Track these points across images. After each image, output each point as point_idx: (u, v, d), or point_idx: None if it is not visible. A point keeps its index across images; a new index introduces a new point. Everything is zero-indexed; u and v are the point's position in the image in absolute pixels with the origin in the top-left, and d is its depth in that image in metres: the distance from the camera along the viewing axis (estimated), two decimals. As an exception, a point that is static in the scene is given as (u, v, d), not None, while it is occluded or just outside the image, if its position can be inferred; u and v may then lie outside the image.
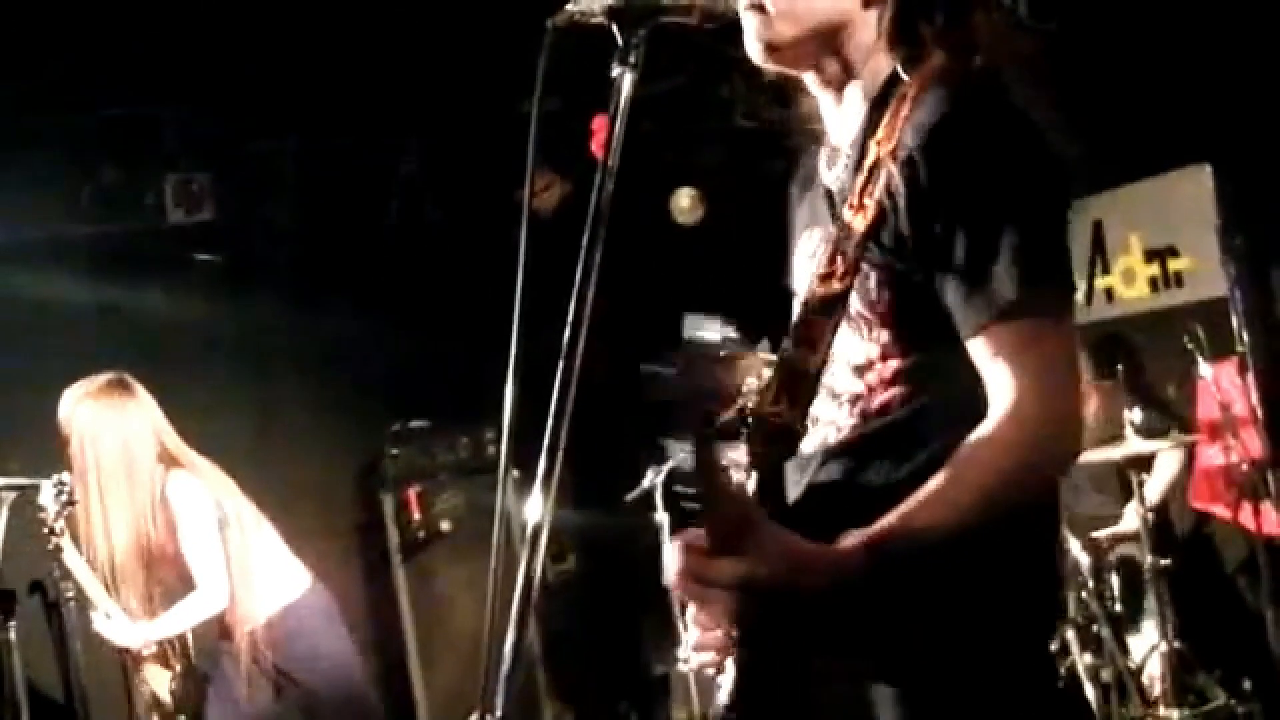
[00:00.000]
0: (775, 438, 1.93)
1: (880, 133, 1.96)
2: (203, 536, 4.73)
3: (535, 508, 1.78)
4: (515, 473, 6.66)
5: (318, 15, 6.02)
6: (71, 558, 4.70)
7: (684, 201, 7.63)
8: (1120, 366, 5.59)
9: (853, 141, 2.09)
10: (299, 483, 7.23)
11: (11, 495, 4.68)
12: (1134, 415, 5.29)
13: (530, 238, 1.94)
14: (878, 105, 2.04)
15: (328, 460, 7.79)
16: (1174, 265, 6.47)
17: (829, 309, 1.93)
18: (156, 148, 6.79)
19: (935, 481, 1.83)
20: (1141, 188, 6.50)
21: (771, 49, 2.08)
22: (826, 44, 2.08)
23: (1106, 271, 6.71)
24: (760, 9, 2.04)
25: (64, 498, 4.69)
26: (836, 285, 1.93)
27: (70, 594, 5.11)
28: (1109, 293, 6.70)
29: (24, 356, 6.40)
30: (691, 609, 2.07)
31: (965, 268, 1.87)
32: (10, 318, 6.58)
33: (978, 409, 1.88)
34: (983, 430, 1.86)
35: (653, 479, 5.96)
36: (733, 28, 2.08)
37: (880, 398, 2.01)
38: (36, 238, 6.74)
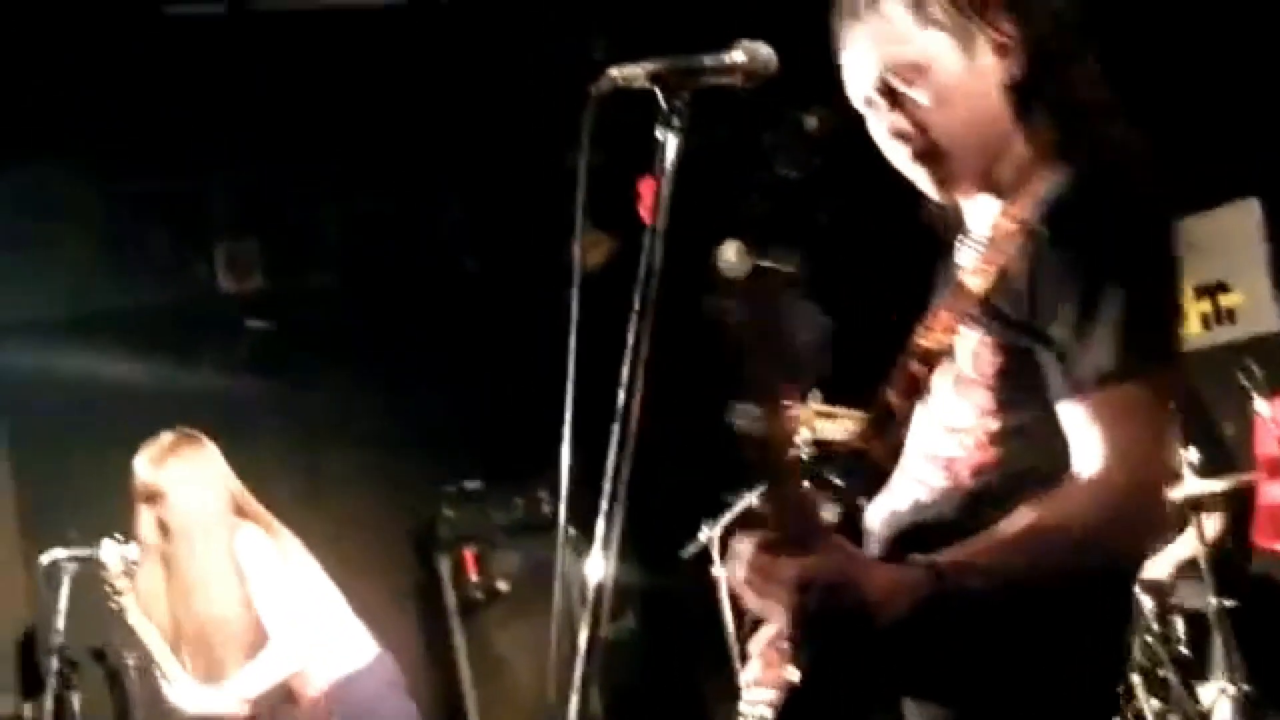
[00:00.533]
0: (863, 471, 2.06)
1: (1014, 209, 2.07)
2: (274, 590, 4.71)
3: (596, 567, 1.77)
4: (572, 531, 6.62)
5: (357, 77, 6.10)
6: (136, 618, 4.68)
7: (730, 254, 7.62)
8: (1172, 404, 5.53)
9: (990, 223, 2.15)
10: (354, 547, 7.25)
11: (74, 566, 4.69)
12: (1191, 455, 5.23)
13: (580, 294, 1.99)
14: (1013, 186, 2.12)
15: (382, 524, 7.80)
16: (1225, 301, 6.42)
17: (929, 360, 2.05)
18: (204, 217, 6.89)
19: (1014, 527, 1.88)
20: (1189, 224, 6.39)
21: (959, 187, 2.15)
22: (986, 161, 2.13)
23: (1157, 309, 6.66)
24: (939, 156, 2.10)
25: (128, 557, 4.69)
26: (942, 339, 2.04)
27: (132, 661, 5.11)
28: (1161, 332, 6.64)
29: (79, 427, 6.48)
30: (756, 648, 2.21)
31: (1070, 333, 1.92)
32: (64, 390, 6.68)
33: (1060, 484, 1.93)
34: (1068, 492, 1.90)
35: (709, 533, 5.94)
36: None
37: (974, 461, 2.05)
38: (88, 309, 6.84)
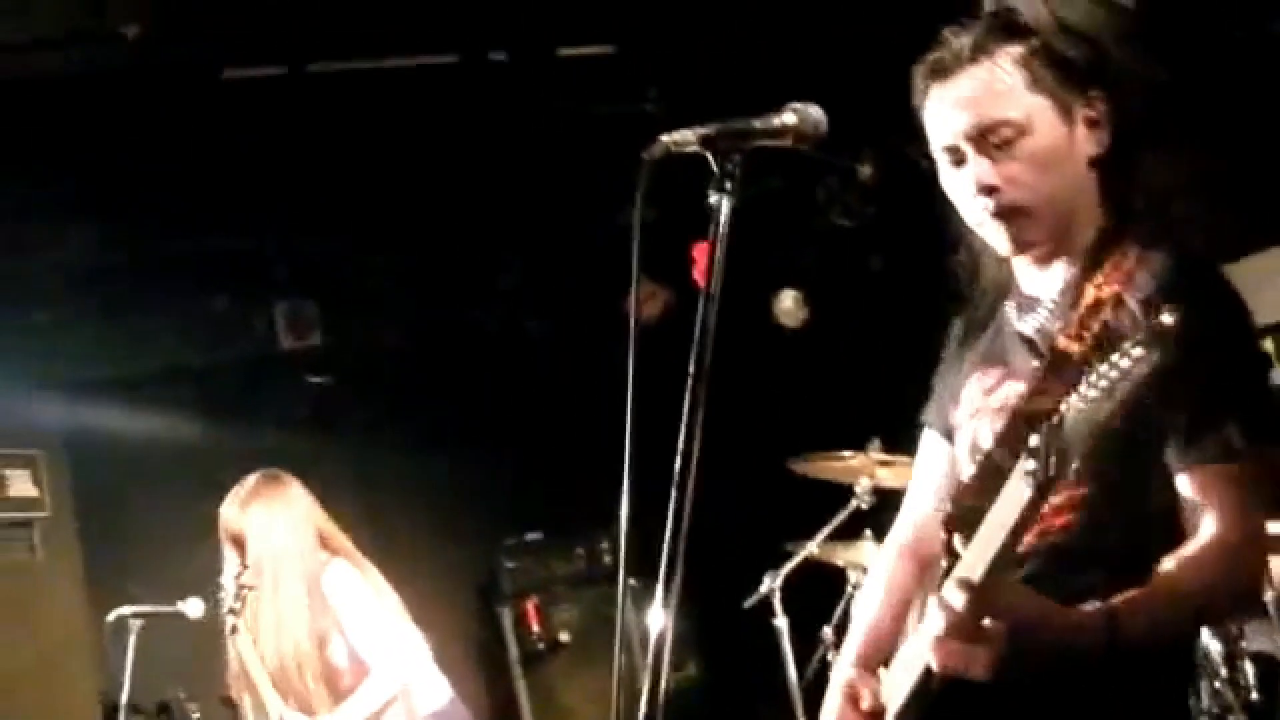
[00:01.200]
0: (974, 525, 2.05)
1: (1100, 278, 2.14)
2: (368, 619, 4.75)
3: (657, 618, 1.79)
4: (632, 581, 6.61)
5: (414, 135, 6.18)
6: (246, 647, 4.69)
7: (787, 303, 7.65)
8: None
9: (1061, 289, 2.25)
10: (417, 600, 7.22)
11: (138, 622, 4.75)
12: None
13: (638, 348, 2.01)
14: (1093, 257, 2.20)
15: (445, 576, 7.83)
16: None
17: (1036, 421, 2.02)
18: (264, 276, 6.99)
19: (1159, 579, 2.03)
20: (1254, 262, 6.41)
21: (1033, 246, 2.26)
22: (1064, 228, 2.24)
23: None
24: (1023, 213, 2.19)
25: (242, 589, 4.72)
26: (1047, 402, 2.03)
27: (196, 715, 5.15)
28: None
29: (142, 486, 6.56)
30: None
31: (1199, 410, 2.06)
32: (129, 448, 6.77)
33: (1134, 554, 2.08)
34: (1196, 546, 2.06)
35: (770, 584, 5.92)
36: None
37: (1056, 521, 2.15)
38: (152, 369, 6.94)
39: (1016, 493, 1.79)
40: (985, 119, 2.17)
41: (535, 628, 7.55)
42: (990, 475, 2.07)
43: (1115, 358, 1.69)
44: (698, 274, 1.83)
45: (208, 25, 5.34)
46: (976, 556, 1.91)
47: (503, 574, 7.71)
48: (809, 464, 5.66)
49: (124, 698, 4.75)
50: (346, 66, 5.68)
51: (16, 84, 5.24)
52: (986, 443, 2.22)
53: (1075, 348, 2.08)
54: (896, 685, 2.21)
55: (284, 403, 7.54)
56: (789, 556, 5.84)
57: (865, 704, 2.27)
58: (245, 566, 4.75)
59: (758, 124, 1.97)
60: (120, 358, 6.89)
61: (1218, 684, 5.12)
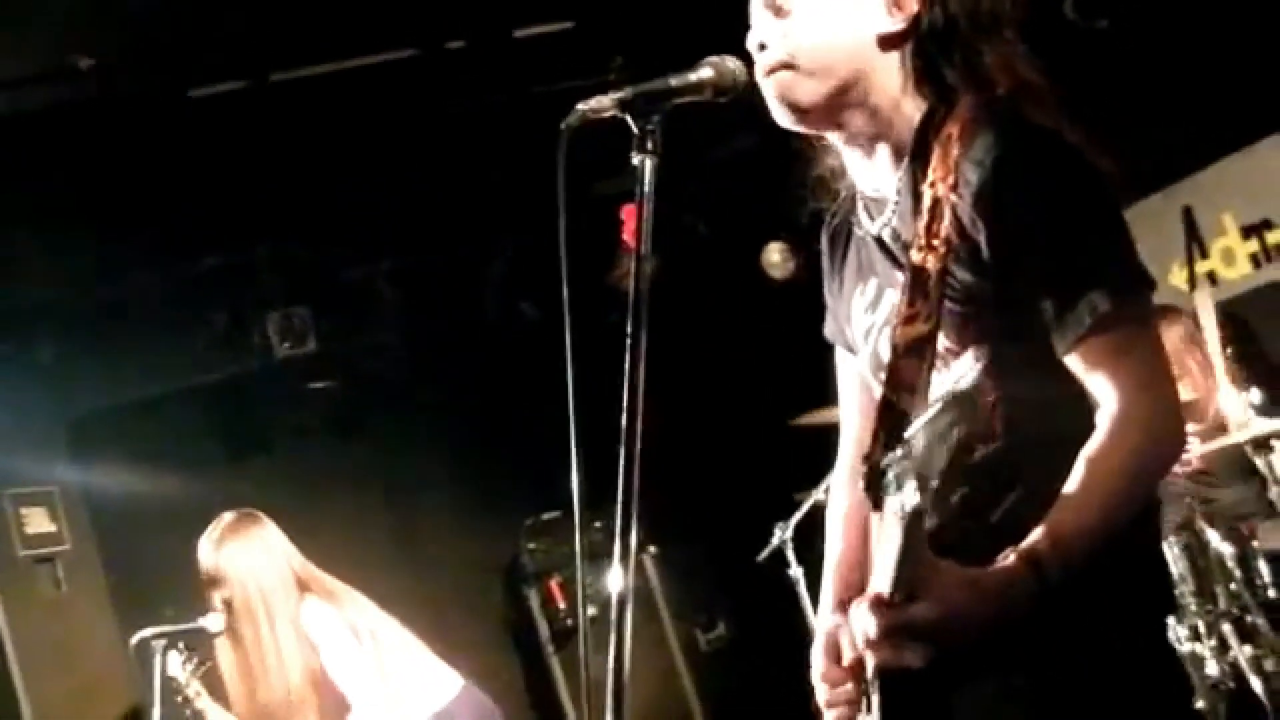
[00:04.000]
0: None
1: (932, 175, 2.06)
2: (344, 656, 4.79)
3: (616, 581, 1.81)
4: (652, 549, 6.65)
5: (384, 132, 6.20)
6: (215, 714, 4.82)
7: (775, 256, 7.67)
8: (1230, 349, 5.50)
9: (897, 188, 2.18)
10: (443, 591, 7.36)
11: (163, 642, 4.80)
12: (1253, 396, 5.19)
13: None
14: (919, 150, 2.13)
15: (468, 564, 7.90)
16: (1272, 238, 6.34)
17: (919, 350, 2.02)
18: (254, 288, 7.02)
19: (1072, 493, 1.94)
20: (1226, 165, 6.40)
21: (798, 110, 2.16)
22: (851, 97, 2.16)
23: (1205, 255, 6.60)
24: (784, 68, 2.13)
25: (193, 662, 4.80)
26: (923, 326, 2.02)
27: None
28: (1211, 276, 6.58)
29: (161, 510, 6.61)
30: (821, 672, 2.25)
31: (1058, 287, 1.99)
32: (143, 474, 6.82)
33: (1064, 444, 1.99)
34: (1100, 438, 1.97)
35: (781, 535, 5.97)
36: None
37: (974, 434, 2.08)
38: (157, 391, 6.99)
39: (890, 529, 1.76)
40: None
41: (562, 605, 7.60)
42: (892, 421, 2.02)
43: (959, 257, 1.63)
44: (627, 235, 1.85)
45: (166, 50, 5.38)
46: (881, 571, 1.85)
47: (525, 555, 7.76)
48: (809, 416, 5.71)
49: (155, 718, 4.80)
50: (308, 72, 5.70)
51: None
52: (885, 355, 2.14)
53: (930, 260, 2.03)
54: None
55: (292, 412, 7.59)
56: (798, 506, 5.87)
57: (846, 658, 2.20)
58: (228, 606, 4.80)
59: (674, 82, 1.98)
60: (124, 386, 6.93)
61: (1234, 585, 5.14)
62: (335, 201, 6.55)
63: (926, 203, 2.06)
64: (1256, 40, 5.86)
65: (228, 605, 4.82)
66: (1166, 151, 6.29)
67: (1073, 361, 2.01)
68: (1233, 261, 6.51)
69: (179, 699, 4.81)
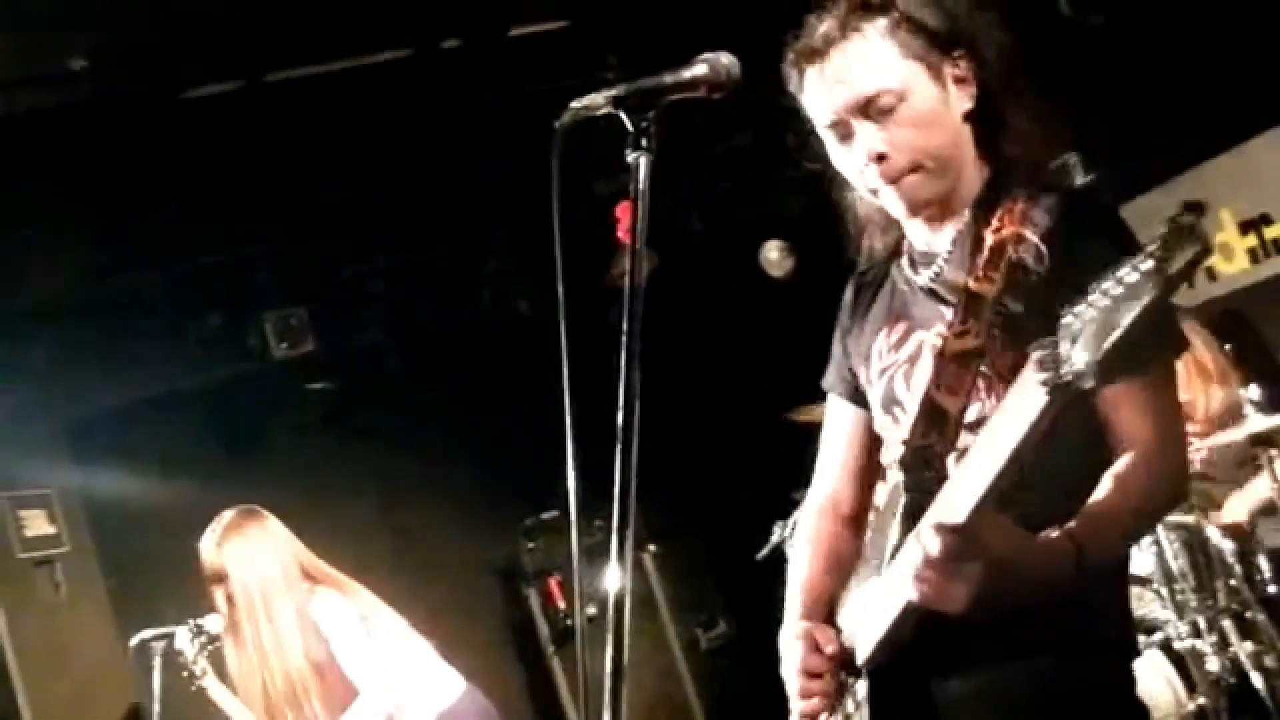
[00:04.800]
0: (930, 464, 2.17)
1: (996, 223, 2.23)
2: (355, 645, 4.80)
3: (613, 580, 1.80)
4: (652, 548, 6.65)
5: (379, 132, 6.20)
6: (220, 695, 4.81)
7: (773, 254, 7.67)
8: (1229, 345, 5.49)
9: (954, 239, 2.36)
10: (443, 591, 7.35)
11: (161, 644, 4.80)
12: (1251, 392, 5.18)
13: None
14: (983, 207, 2.31)
15: (467, 564, 7.90)
16: (1270, 233, 6.34)
17: (966, 361, 2.20)
18: (250, 288, 7.01)
19: (1106, 495, 2.13)
20: (1223, 161, 6.40)
21: (929, 206, 2.35)
22: (954, 182, 2.34)
23: (1204, 251, 6.59)
24: (915, 170, 2.28)
25: (203, 638, 4.81)
26: (972, 342, 2.19)
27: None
28: (1210, 272, 6.58)
29: (159, 511, 6.61)
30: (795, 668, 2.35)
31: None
32: (141, 475, 6.81)
33: (1064, 475, 2.15)
34: (1130, 460, 2.16)
35: (781, 533, 5.96)
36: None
37: None
38: (154, 393, 6.98)
39: (1026, 400, 1.82)
40: (866, 90, 2.26)
41: (562, 605, 7.60)
42: (933, 415, 2.18)
43: (1121, 272, 1.67)
44: (621, 232, 1.85)
45: (160, 50, 5.38)
46: (961, 492, 1.94)
47: (524, 555, 7.76)
48: (805, 413, 5.69)
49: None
50: (303, 72, 5.70)
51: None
52: (902, 394, 2.37)
53: (987, 288, 2.18)
54: (864, 629, 2.26)
55: (290, 412, 7.59)
56: (797, 505, 5.85)
57: (828, 649, 2.32)
58: (230, 601, 4.80)
59: (668, 79, 1.97)
60: (121, 388, 6.92)
61: (1234, 582, 5.14)
62: (331, 201, 6.55)
63: (989, 244, 2.22)
64: (1252, 35, 5.86)
65: (230, 600, 4.83)
66: (1164, 147, 6.29)
67: (1104, 398, 2.16)
68: (1231, 257, 6.51)
69: (184, 674, 4.81)
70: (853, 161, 2.32)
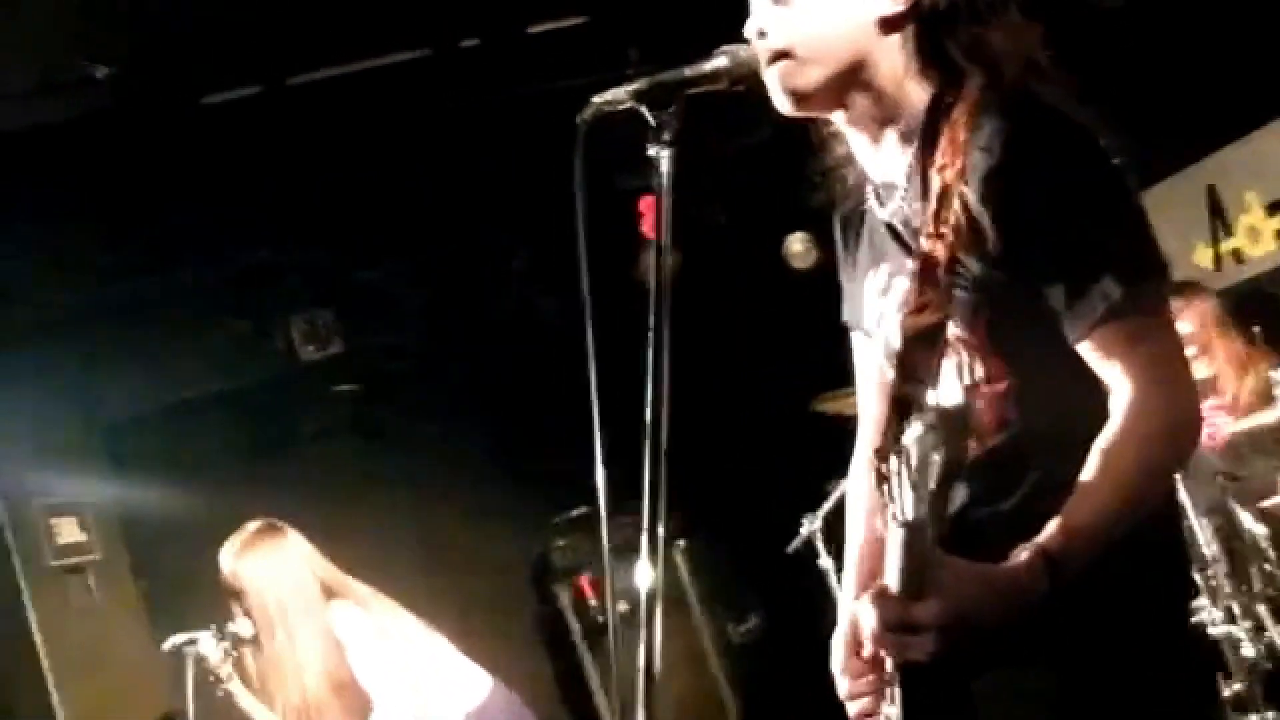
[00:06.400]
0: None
1: (940, 159, 2.02)
2: (373, 658, 4.80)
3: (644, 576, 1.80)
4: (681, 542, 6.63)
5: (403, 133, 6.20)
6: (247, 701, 4.84)
7: (797, 246, 7.65)
8: (1257, 328, 5.46)
9: (906, 174, 2.13)
10: (473, 591, 7.35)
11: (194, 649, 4.82)
12: (1278, 375, 5.15)
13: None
14: (927, 134, 2.09)
15: (498, 563, 7.89)
16: (1297, 214, 6.34)
17: (930, 339, 1.96)
18: (277, 291, 7.03)
19: (1087, 484, 1.92)
20: (1248, 143, 6.38)
21: (800, 97, 2.11)
22: (854, 81, 2.11)
23: (1230, 234, 6.57)
24: (784, 56, 2.08)
25: (226, 643, 4.83)
26: (932, 316, 1.97)
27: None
28: (1236, 254, 6.55)
29: (191, 515, 6.63)
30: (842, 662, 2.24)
31: (1069, 275, 1.96)
32: (172, 479, 6.84)
33: (1077, 429, 1.97)
34: (1114, 428, 1.94)
35: (810, 526, 5.95)
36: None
37: (988, 423, 2.06)
38: (182, 398, 7.01)
39: (893, 537, 1.75)
40: None
41: (593, 601, 7.60)
42: (904, 414, 1.95)
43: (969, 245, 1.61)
44: (646, 227, 1.84)
45: (182, 57, 5.39)
46: (891, 565, 1.83)
47: (554, 552, 7.76)
48: (832, 402, 5.68)
49: (190, 723, 4.82)
50: (323, 75, 5.71)
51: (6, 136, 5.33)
52: (897, 341, 2.06)
53: (939, 248, 1.99)
54: None
55: (318, 415, 7.61)
56: (827, 496, 5.85)
57: (867, 650, 2.17)
58: (248, 616, 4.82)
59: (689, 72, 1.97)
60: (148, 394, 6.96)
61: (1268, 566, 5.11)
62: (355, 203, 6.56)
63: (935, 189, 2.01)
64: (1273, 16, 5.82)
65: (248, 615, 4.84)
66: (1187, 131, 6.26)
67: (1084, 349, 1.98)
68: (1258, 239, 6.48)
69: (211, 679, 4.83)
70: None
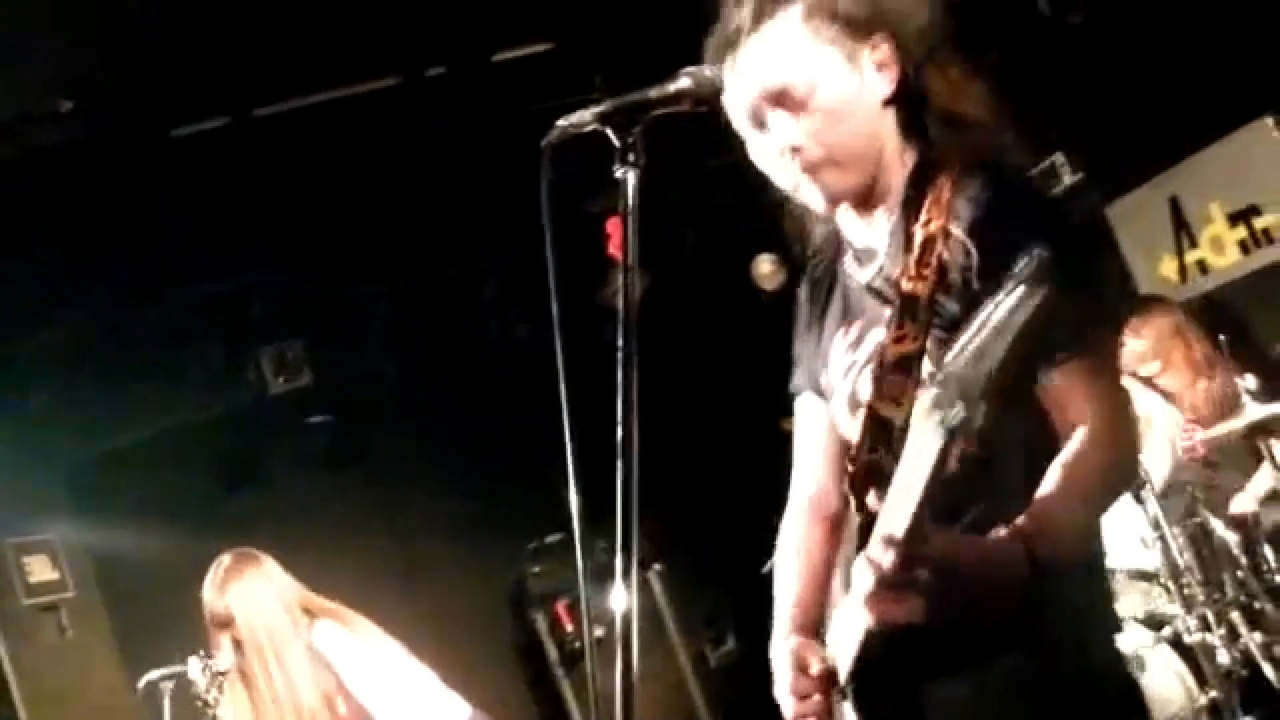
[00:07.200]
0: (880, 480, 2.09)
1: (925, 216, 2.19)
2: (365, 674, 4.80)
3: (620, 600, 1.79)
4: (657, 566, 6.63)
5: (371, 162, 6.20)
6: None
7: (766, 267, 7.67)
8: (1223, 336, 5.50)
9: (890, 234, 2.30)
10: (450, 618, 7.34)
11: (170, 684, 4.79)
12: (1247, 382, 5.20)
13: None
14: (911, 200, 2.26)
15: (475, 591, 7.89)
16: (1260, 223, 6.35)
17: (906, 366, 2.12)
18: (245, 323, 7.01)
19: (1051, 490, 2.03)
20: (1209, 154, 6.42)
21: (841, 197, 2.29)
22: (873, 172, 2.29)
23: (1194, 245, 6.61)
24: (823, 164, 2.23)
25: (214, 669, 4.81)
26: (911, 345, 2.12)
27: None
28: (1201, 265, 6.59)
29: (163, 551, 6.59)
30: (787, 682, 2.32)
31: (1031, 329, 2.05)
32: (144, 515, 6.80)
33: (1026, 462, 2.10)
34: (1076, 447, 2.07)
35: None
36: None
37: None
38: (153, 433, 6.98)
39: (926, 441, 1.76)
40: (777, 80, 2.23)
41: (569, 627, 7.60)
42: (877, 428, 2.14)
43: (1000, 297, 1.67)
44: (613, 248, 1.85)
45: (148, 89, 5.38)
46: (896, 509, 1.87)
47: (530, 579, 7.76)
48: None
49: (166, 762, 4.79)
50: (290, 105, 5.71)
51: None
52: (865, 395, 2.24)
53: (920, 288, 2.13)
54: (841, 647, 2.22)
55: (290, 446, 7.58)
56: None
57: (814, 669, 2.28)
58: (237, 645, 4.81)
59: (653, 94, 1.97)
60: (118, 429, 6.92)
61: (1240, 573, 5.14)
62: (323, 233, 6.55)
63: (918, 240, 2.17)
64: (1231, 28, 5.88)
65: (237, 645, 4.83)
66: (1150, 143, 6.31)
67: (1048, 380, 2.10)
68: (1222, 249, 6.52)
69: (197, 703, 4.81)
70: (770, 153, 2.29)
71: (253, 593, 4.85)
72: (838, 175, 2.25)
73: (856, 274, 2.36)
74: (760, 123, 2.28)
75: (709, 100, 2.05)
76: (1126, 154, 6.30)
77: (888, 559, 1.85)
